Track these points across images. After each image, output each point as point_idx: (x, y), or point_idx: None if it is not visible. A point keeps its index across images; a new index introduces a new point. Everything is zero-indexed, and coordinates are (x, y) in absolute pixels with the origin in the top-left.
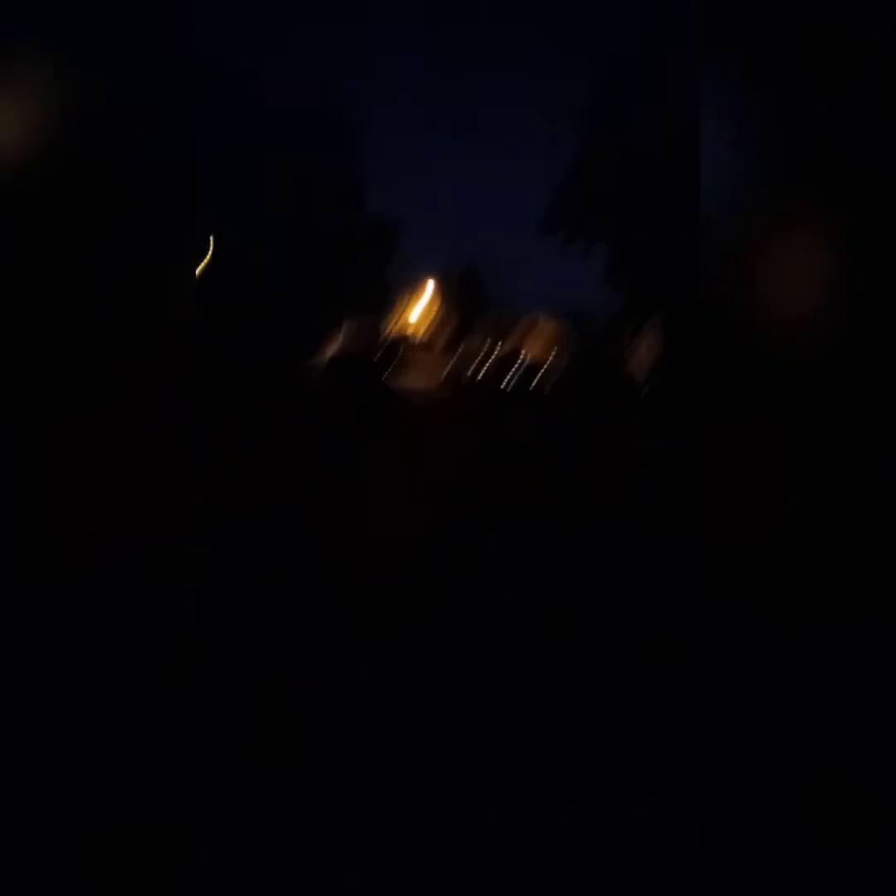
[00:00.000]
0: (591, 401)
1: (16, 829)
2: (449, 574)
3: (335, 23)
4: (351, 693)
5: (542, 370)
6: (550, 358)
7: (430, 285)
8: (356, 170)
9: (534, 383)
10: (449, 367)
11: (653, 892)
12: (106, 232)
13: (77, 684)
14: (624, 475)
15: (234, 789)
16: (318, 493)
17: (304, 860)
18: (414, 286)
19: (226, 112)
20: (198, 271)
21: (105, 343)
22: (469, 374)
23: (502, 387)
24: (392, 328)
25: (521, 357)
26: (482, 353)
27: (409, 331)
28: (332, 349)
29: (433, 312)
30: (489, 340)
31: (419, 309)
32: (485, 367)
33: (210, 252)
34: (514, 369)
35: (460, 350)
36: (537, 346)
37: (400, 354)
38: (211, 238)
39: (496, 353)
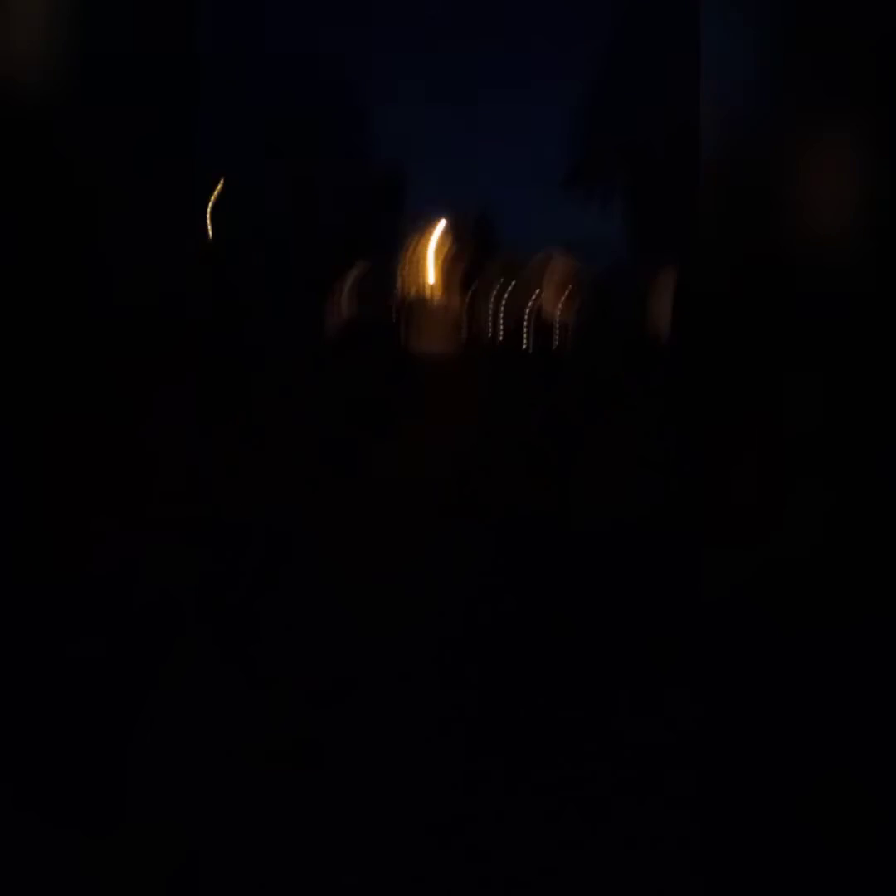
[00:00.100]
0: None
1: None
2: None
3: None
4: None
5: (558, 322)
6: (565, 307)
7: (444, 232)
8: (365, 122)
9: (554, 340)
10: (465, 320)
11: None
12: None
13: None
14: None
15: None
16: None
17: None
18: (427, 236)
19: (228, 70)
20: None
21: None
22: (486, 328)
23: (522, 345)
24: (407, 283)
25: (535, 302)
26: (497, 304)
27: (425, 284)
28: (348, 310)
29: (448, 261)
30: (503, 288)
31: (433, 259)
32: (501, 319)
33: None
34: (528, 320)
35: (474, 302)
36: (552, 292)
37: (416, 311)
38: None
39: (511, 301)
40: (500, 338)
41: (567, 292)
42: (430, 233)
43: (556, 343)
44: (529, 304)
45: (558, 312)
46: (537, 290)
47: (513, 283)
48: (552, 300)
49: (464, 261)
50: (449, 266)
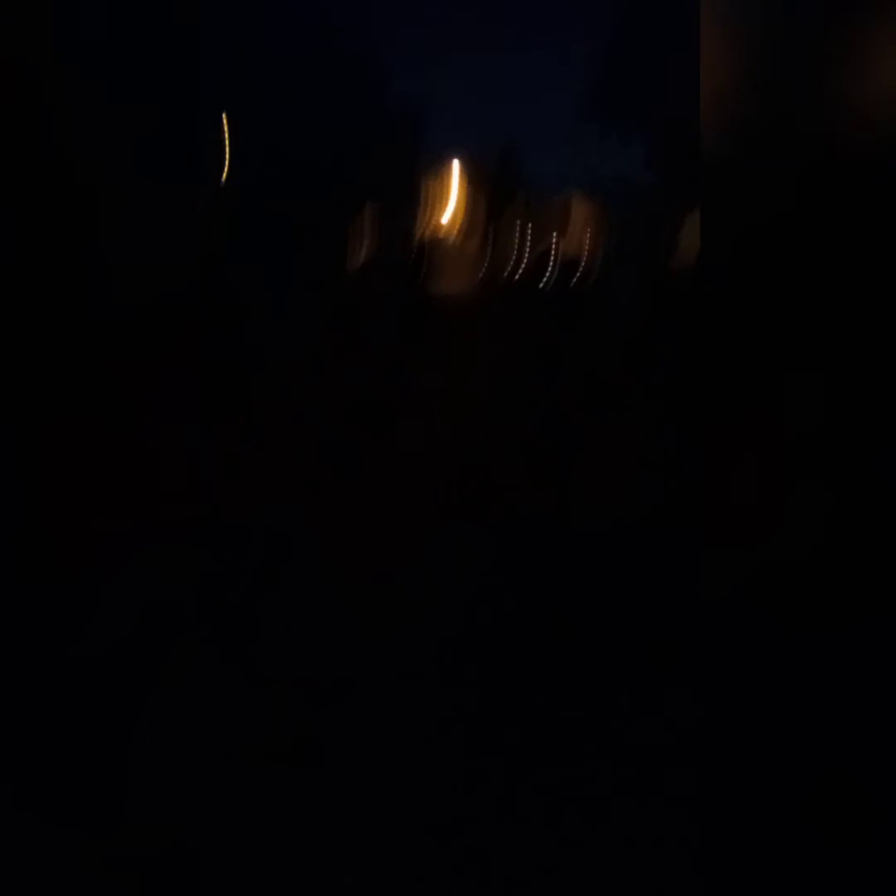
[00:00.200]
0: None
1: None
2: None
3: None
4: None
5: (581, 264)
6: (586, 248)
7: (461, 173)
8: (383, 60)
9: (573, 281)
10: (485, 262)
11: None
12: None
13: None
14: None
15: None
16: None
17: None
18: (443, 175)
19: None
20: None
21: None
22: (505, 270)
23: (540, 286)
24: (423, 224)
25: (556, 246)
26: (517, 245)
27: (441, 225)
28: (362, 253)
29: (465, 202)
30: (523, 230)
31: (450, 200)
32: (522, 262)
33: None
34: (550, 262)
35: (493, 243)
36: (573, 234)
37: (433, 253)
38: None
39: (531, 244)
40: (519, 276)
41: (588, 234)
42: (449, 174)
43: (577, 279)
44: (551, 245)
45: (582, 253)
46: (556, 233)
47: (531, 224)
48: (575, 241)
49: (483, 202)
50: (469, 207)
